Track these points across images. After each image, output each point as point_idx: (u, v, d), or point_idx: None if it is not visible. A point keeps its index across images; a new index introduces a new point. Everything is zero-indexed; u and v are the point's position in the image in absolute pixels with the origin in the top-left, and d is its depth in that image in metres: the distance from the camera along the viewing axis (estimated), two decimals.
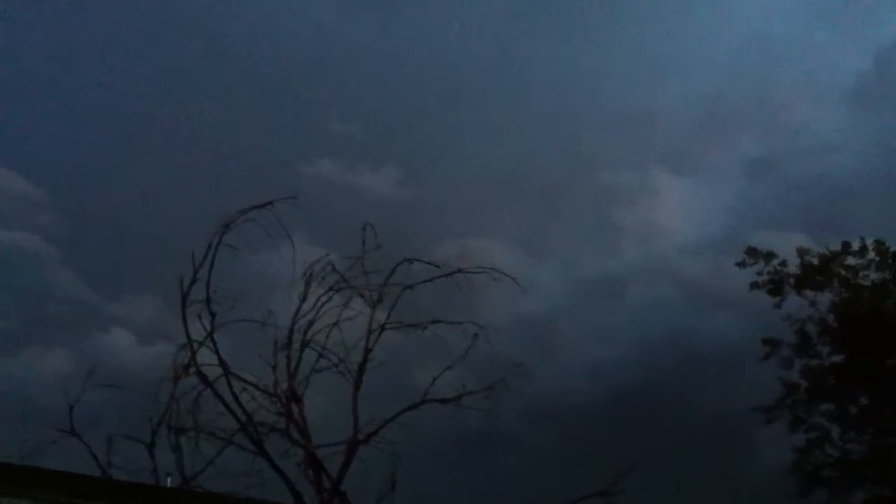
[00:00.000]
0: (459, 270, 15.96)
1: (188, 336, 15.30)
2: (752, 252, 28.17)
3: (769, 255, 28.00)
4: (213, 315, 15.20)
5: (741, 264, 28.20)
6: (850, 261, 27.58)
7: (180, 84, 42.62)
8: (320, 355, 15.73)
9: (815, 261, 27.60)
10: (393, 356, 16.50)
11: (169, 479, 15.24)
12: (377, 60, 45.36)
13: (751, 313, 29.50)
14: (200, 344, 15.30)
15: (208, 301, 15.17)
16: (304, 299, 15.83)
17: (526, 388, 17.01)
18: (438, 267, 16.04)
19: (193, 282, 15.27)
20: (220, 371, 15.28)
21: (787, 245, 28.19)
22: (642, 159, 45.75)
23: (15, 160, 38.71)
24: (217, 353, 15.33)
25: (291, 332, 15.68)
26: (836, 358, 27.41)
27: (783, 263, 27.87)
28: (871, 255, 27.42)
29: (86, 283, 36.19)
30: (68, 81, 43.51)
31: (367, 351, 15.78)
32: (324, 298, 15.90)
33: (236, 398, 15.23)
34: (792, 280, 27.73)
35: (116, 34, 45.01)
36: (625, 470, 15.60)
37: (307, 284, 15.90)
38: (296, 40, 44.31)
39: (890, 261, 27.31)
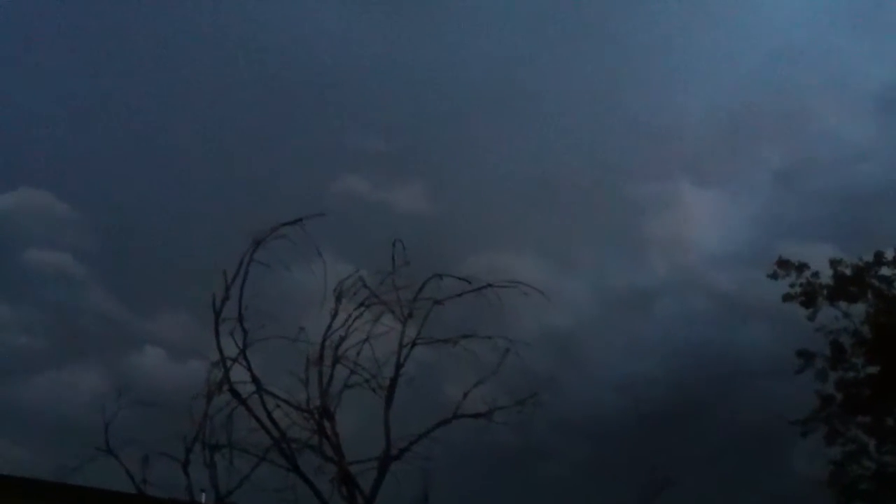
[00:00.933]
0: (488, 285, 15.95)
1: (221, 353, 15.41)
2: (784, 264, 27.95)
3: (801, 267, 27.77)
4: (245, 332, 15.30)
5: (773, 276, 27.99)
6: (884, 271, 27.28)
7: (210, 104, 43.17)
8: (352, 371, 15.78)
9: (848, 272, 27.33)
10: (424, 371, 16.51)
11: (203, 496, 15.37)
12: (400, 75, 45.66)
13: (783, 325, 29.23)
14: (233, 361, 15.40)
15: (240, 318, 15.26)
16: (334, 315, 15.88)
17: (557, 402, 16.96)
18: (468, 282, 16.05)
19: (225, 299, 15.38)
20: (252, 388, 15.37)
21: (817, 256, 27.97)
22: (669, 171, 45.66)
23: (47, 180, 39.48)
24: (250, 369, 15.43)
25: (323, 348, 15.71)
26: (872, 370, 27.08)
27: (815, 275, 27.62)
28: None
29: (120, 302, 36.62)
30: (97, 102, 44.24)
31: (399, 366, 15.80)
32: (354, 314, 15.95)
33: (269, 415, 15.30)
34: (825, 291, 27.46)
35: (146, 55, 45.69)
36: (659, 485, 15.53)
37: (338, 301, 15.95)
38: (318, 57, 44.72)
39: None
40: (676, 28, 47.90)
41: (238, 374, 15.44)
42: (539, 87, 45.85)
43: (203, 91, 43.55)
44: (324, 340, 15.75)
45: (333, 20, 45.87)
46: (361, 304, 15.98)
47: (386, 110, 43.89)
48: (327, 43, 45.28)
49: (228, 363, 15.35)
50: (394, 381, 15.69)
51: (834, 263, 27.58)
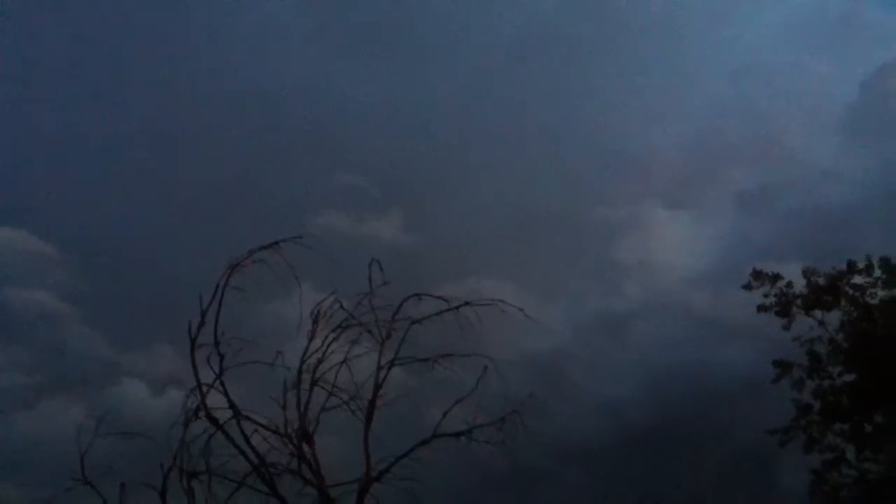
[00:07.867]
0: (466, 303, 15.96)
1: (197, 379, 15.31)
2: (758, 275, 28.11)
3: (775, 277, 27.95)
4: (221, 357, 15.20)
5: (747, 287, 28.16)
6: (857, 279, 27.49)
7: (190, 142, 43.51)
8: (330, 394, 15.72)
9: (822, 281, 27.53)
10: (403, 393, 16.44)
11: None
12: (379, 113, 46.21)
13: (760, 340, 29.39)
14: (210, 387, 15.30)
15: (217, 344, 15.18)
16: (312, 338, 15.84)
17: (546, 426, 16.96)
18: (446, 301, 16.05)
19: (202, 325, 15.29)
20: (230, 413, 15.27)
21: (787, 273, 28.15)
22: (640, 195, 46.30)
23: (26, 219, 39.40)
24: (227, 395, 15.33)
25: (300, 371, 15.66)
26: (849, 377, 27.24)
27: (789, 285, 27.80)
28: (878, 272, 27.33)
29: (101, 337, 36.36)
30: (75, 138, 44.32)
31: (377, 388, 15.75)
32: (332, 336, 15.91)
33: (247, 440, 15.20)
34: (799, 301, 27.64)
35: (132, 94, 45.94)
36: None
37: (315, 323, 15.91)
38: (298, 98, 45.16)
39: None
40: (643, 55, 48.71)
41: (216, 400, 15.35)
42: (513, 120, 46.59)
43: (183, 129, 43.91)
44: (301, 363, 15.69)
45: (316, 65, 46.57)
46: (339, 326, 15.96)
47: (365, 147, 44.42)
48: (308, 85, 45.84)
49: (205, 388, 15.25)
50: (372, 402, 15.65)
51: (807, 273, 27.76)
